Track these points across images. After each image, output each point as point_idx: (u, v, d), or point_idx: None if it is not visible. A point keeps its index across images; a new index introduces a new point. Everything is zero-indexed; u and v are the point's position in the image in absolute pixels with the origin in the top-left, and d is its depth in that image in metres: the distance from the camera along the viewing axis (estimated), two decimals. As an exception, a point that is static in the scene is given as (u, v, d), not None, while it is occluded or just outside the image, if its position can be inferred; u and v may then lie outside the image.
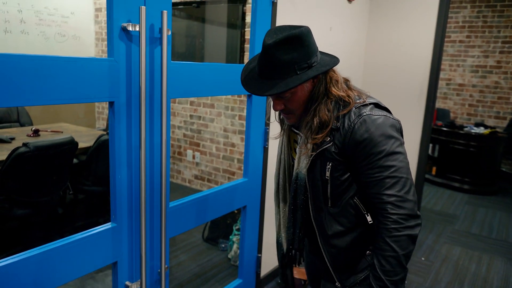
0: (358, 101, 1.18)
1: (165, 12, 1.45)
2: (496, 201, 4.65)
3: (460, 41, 6.07)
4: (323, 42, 2.76)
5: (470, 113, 6.10)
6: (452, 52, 6.15)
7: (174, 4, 4.12)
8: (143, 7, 1.37)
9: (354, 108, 1.15)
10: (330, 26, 2.82)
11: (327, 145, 1.19)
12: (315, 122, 1.17)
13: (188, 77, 1.68)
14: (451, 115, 6.19)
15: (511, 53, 5.70)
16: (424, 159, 3.34)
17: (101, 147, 2.82)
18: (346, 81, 1.25)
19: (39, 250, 1.28)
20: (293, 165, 1.35)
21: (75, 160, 2.95)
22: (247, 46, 3.65)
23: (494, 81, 5.86)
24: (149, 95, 1.52)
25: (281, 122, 1.43)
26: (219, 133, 4.09)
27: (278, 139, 1.44)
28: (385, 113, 1.16)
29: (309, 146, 1.21)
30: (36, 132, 3.25)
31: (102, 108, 5.38)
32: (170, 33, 1.53)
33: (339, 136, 1.16)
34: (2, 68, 1.10)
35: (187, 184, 4.49)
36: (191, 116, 4.31)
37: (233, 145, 4.01)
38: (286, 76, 1.10)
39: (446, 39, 6.09)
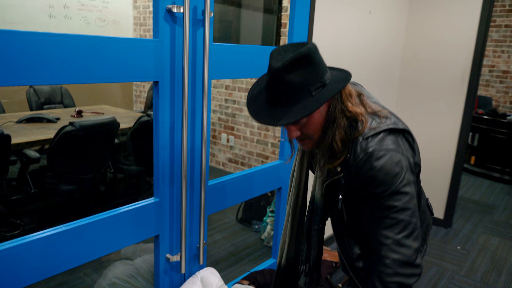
0: (370, 125, 1.09)
1: (208, -6, 1.48)
2: (538, 193, 4.47)
3: (506, 26, 5.77)
4: (362, 26, 2.71)
5: (514, 101, 5.83)
6: (496, 38, 5.86)
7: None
8: (188, -11, 1.40)
9: (361, 139, 1.07)
10: (370, 9, 2.77)
11: (339, 176, 1.16)
12: (334, 146, 1.10)
13: (229, 58, 1.71)
14: (493, 103, 5.94)
15: (561, 38, 5.37)
16: (463, 148, 3.24)
17: (142, 128, 2.92)
18: (360, 95, 1.16)
19: (90, 220, 1.36)
20: (304, 183, 1.38)
21: (116, 140, 3.07)
22: (283, 30, 3.64)
23: (542, 67, 5.56)
24: (191, 75, 1.57)
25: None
26: (253, 117, 4.12)
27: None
28: (394, 146, 1.06)
29: (325, 171, 1.18)
30: (79, 113, 3.40)
31: (139, 92, 5.54)
32: (212, 15, 1.56)
33: (347, 169, 1.13)
34: (58, 47, 1.16)
35: (221, 167, 4.58)
36: (226, 100, 4.37)
37: (267, 129, 4.04)
38: (300, 100, 1.00)
39: (491, 24, 5.81)
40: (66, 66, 1.19)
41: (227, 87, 4.33)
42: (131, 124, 3.13)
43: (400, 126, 1.11)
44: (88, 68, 1.26)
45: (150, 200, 1.55)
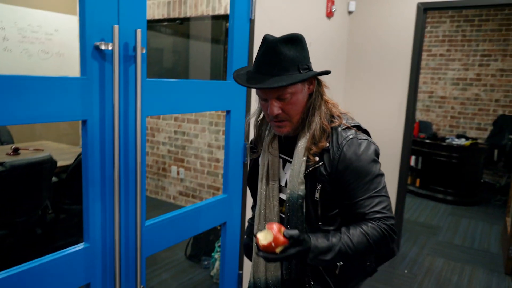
0: (346, 121, 1.23)
1: (139, 30, 1.46)
2: (479, 211, 4.71)
3: (441, 55, 6.21)
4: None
5: (452, 125, 6.21)
6: (433, 66, 6.28)
7: (158, 21, 4.15)
8: (116, 26, 1.37)
9: (340, 129, 1.20)
10: (310, 42, 2.86)
11: (318, 165, 1.20)
12: (318, 129, 1.19)
13: (165, 94, 1.69)
14: (434, 127, 6.29)
15: (489, 66, 5.84)
16: (405, 170, 3.37)
17: (81, 165, 2.78)
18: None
19: (6, 274, 1.25)
20: (275, 190, 1.35)
21: (55, 179, 2.91)
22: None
23: (474, 93, 5.99)
24: (124, 113, 1.52)
25: (256, 144, 1.43)
26: (203, 149, 4.08)
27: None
28: (367, 137, 1.22)
29: (311, 157, 1.21)
30: (16, 151, 3.21)
31: (85, 124, 5.33)
32: (144, 51, 1.53)
33: (327, 158, 1.19)
34: (-32, 88, 1.09)
35: (172, 201, 4.45)
36: (175, 132, 4.30)
37: (217, 160, 4.00)
38: (290, 72, 1.12)
39: (427, 53, 6.23)
40: (-24, 109, 1.11)
41: (176, 119, 4.28)
42: (72, 161, 2.98)
43: (363, 127, 1.27)
44: (8, 109, 1.18)
45: (79, 246, 1.45)
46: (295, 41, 1.14)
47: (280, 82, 1.10)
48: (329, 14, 3.04)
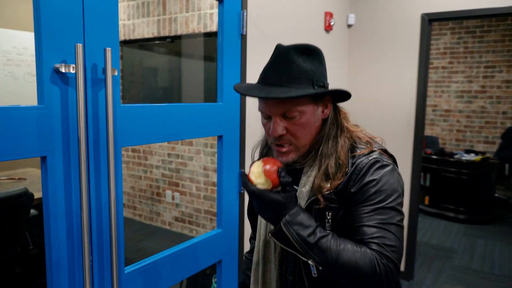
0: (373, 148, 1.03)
1: (108, 49, 1.25)
2: (493, 230, 4.44)
3: (443, 67, 6.03)
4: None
5: (459, 138, 5.98)
6: (436, 79, 6.09)
7: (148, 39, 3.97)
8: (80, 45, 1.16)
9: (363, 156, 1.00)
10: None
11: (327, 192, 0.98)
12: (332, 165, 0.98)
13: (143, 121, 1.47)
14: (440, 141, 6.06)
15: (494, 77, 5.65)
16: (417, 189, 3.13)
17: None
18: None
19: None
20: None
21: (34, 211, 2.67)
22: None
23: (480, 105, 5.78)
24: (94, 145, 1.30)
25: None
26: (198, 172, 3.85)
27: None
28: (392, 162, 1.02)
29: (320, 199, 0.98)
30: (-7, 181, 2.98)
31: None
32: (116, 73, 1.32)
33: (343, 184, 0.99)
34: None
35: (167, 227, 4.20)
36: (168, 154, 4.08)
37: (214, 184, 3.76)
38: (302, 86, 0.94)
39: (429, 66, 6.05)
40: None
41: (169, 141, 4.07)
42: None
43: (390, 153, 1.07)
44: None
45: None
46: (312, 53, 0.97)
47: (288, 93, 0.91)
48: (328, 28, 2.85)
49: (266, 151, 1.19)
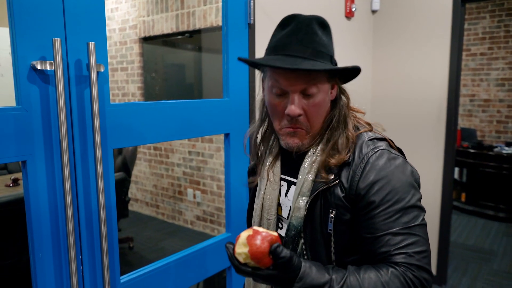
0: (374, 130, 0.98)
1: (92, 43, 1.15)
2: (538, 230, 4.09)
3: (482, 54, 5.62)
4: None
5: (499, 130, 5.56)
6: (473, 66, 5.69)
7: (168, 35, 3.91)
8: (58, 40, 1.07)
9: (366, 139, 0.92)
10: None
11: (332, 184, 0.88)
12: (343, 140, 0.91)
13: (136, 120, 1.37)
14: (478, 134, 5.67)
15: (539, 63, 5.20)
16: (449, 186, 2.88)
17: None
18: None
19: None
20: (271, 226, 1.02)
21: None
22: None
23: (523, 94, 5.35)
24: (81, 147, 1.21)
25: (255, 168, 1.10)
26: (219, 170, 3.76)
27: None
28: (401, 156, 0.93)
29: (323, 174, 0.89)
30: (15, 181, 3.00)
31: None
32: (103, 69, 1.22)
33: (346, 173, 0.87)
34: None
35: (189, 226, 4.14)
36: (189, 152, 4.01)
37: (234, 182, 3.66)
38: (324, 61, 0.87)
39: (466, 53, 5.67)
40: None
41: (189, 139, 3.99)
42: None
43: (396, 146, 0.98)
44: None
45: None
46: (328, 27, 0.92)
47: (318, 66, 0.84)
48: (349, 14, 2.65)
49: (261, 139, 1.06)
